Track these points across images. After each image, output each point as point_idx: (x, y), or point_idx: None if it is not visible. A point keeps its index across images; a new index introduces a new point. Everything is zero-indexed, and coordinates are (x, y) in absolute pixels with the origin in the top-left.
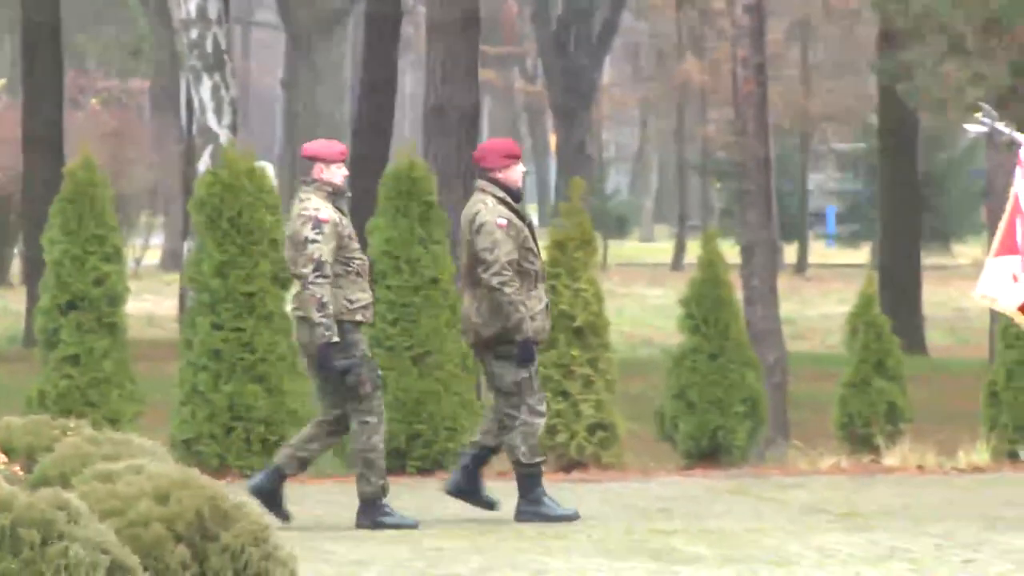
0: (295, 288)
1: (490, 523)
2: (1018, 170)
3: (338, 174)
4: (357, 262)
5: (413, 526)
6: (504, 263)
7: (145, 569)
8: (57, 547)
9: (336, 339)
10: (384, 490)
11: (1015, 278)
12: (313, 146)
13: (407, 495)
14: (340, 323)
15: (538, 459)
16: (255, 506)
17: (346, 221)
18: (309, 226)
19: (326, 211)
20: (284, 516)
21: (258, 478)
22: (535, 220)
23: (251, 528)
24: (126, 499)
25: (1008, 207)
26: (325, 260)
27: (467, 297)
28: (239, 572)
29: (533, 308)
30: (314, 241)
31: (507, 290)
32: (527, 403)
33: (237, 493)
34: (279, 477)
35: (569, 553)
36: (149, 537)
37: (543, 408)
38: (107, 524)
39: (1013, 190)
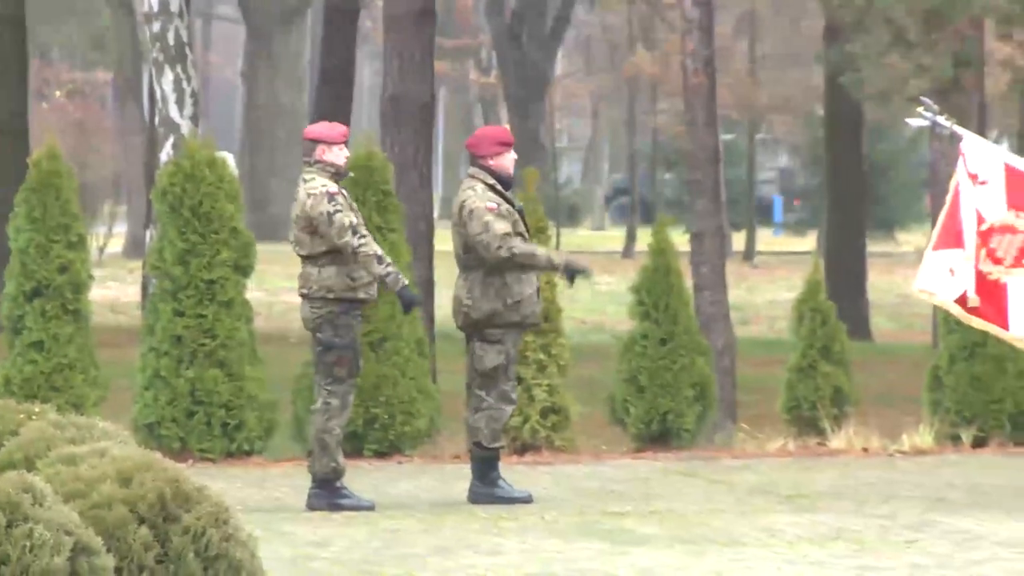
0: (300, 268)
1: (445, 505)
2: (959, 163)
3: (340, 155)
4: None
5: (370, 508)
6: (502, 235)
7: (108, 550)
8: (22, 529)
9: (405, 281)
10: (336, 472)
11: (952, 272)
12: (316, 128)
13: (364, 478)
14: (340, 300)
15: (497, 444)
16: (215, 489)
17: (349, 199)
18: (325, 201)
19: (333, 186)
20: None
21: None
22: None
23: (212, 510)
24: (90, 482)
25: (948, 200)
26: (357, 222)
27: (459, 280)
28: (200, 553)
29: (523, 292)
30: (337, 211)
31: (516, 251)
32: (500, 388)
33: (198, 476)
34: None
35: (523, 534)
36: (112, 519)
37: (514, 396)
38: (71, 506)
39: (954, 183)
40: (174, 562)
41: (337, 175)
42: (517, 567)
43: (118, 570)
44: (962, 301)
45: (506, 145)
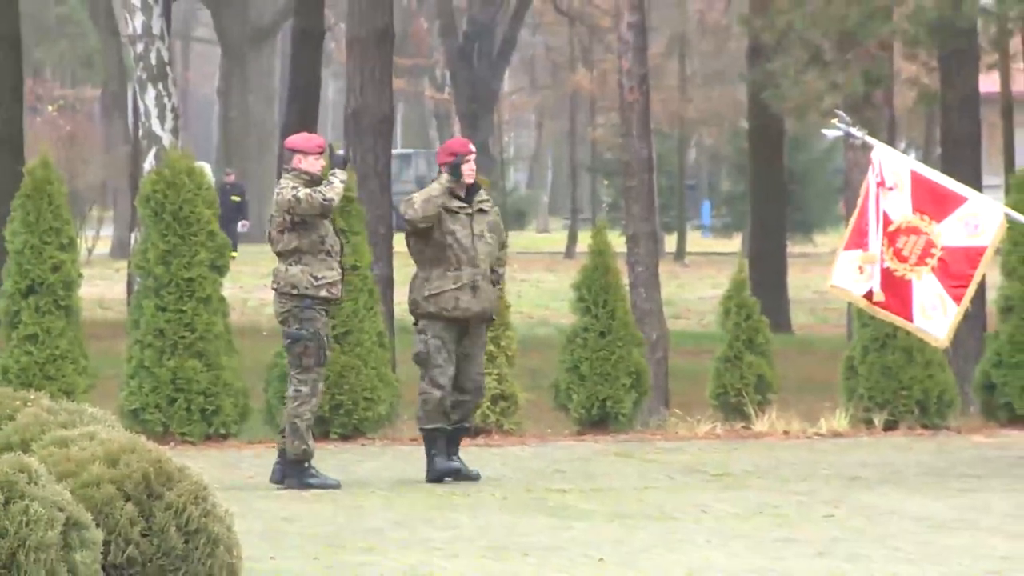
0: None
1: (404, 483)
2: (870, 171)
3: (315, 165)
4: (328, 242)
5: (336, 486)
6: (417, 204)
7: (97, 525)
8: (19, 505)
9: (342, 179)
10: (306, 454)
11: (861, 269)
12: (294, 139)
13: (331, 458)
14: (303, 296)
15: (430, 426)
16: (195, 469)
17: None
18: (292, 191)
19: (303, 190)
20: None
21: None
22: None
23: (192, 488)
24: (80, 462)
25: (859, 204)
26: (312, 191)
27: None
28: (181, 527)
29: (442, 287)
30: (296, 189)
31: (405, 214)
32: (429, 374)
33: (179, 457)
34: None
35: (475, 510)
36: (101, 496)
37: (443, 381)
38: (63, 485)
39: (864, 188)
40: (157, 536)
41: (311, 182)
42: (470, 540)
43: (106, 543)
44: (869, 296)
45: (453, 154)
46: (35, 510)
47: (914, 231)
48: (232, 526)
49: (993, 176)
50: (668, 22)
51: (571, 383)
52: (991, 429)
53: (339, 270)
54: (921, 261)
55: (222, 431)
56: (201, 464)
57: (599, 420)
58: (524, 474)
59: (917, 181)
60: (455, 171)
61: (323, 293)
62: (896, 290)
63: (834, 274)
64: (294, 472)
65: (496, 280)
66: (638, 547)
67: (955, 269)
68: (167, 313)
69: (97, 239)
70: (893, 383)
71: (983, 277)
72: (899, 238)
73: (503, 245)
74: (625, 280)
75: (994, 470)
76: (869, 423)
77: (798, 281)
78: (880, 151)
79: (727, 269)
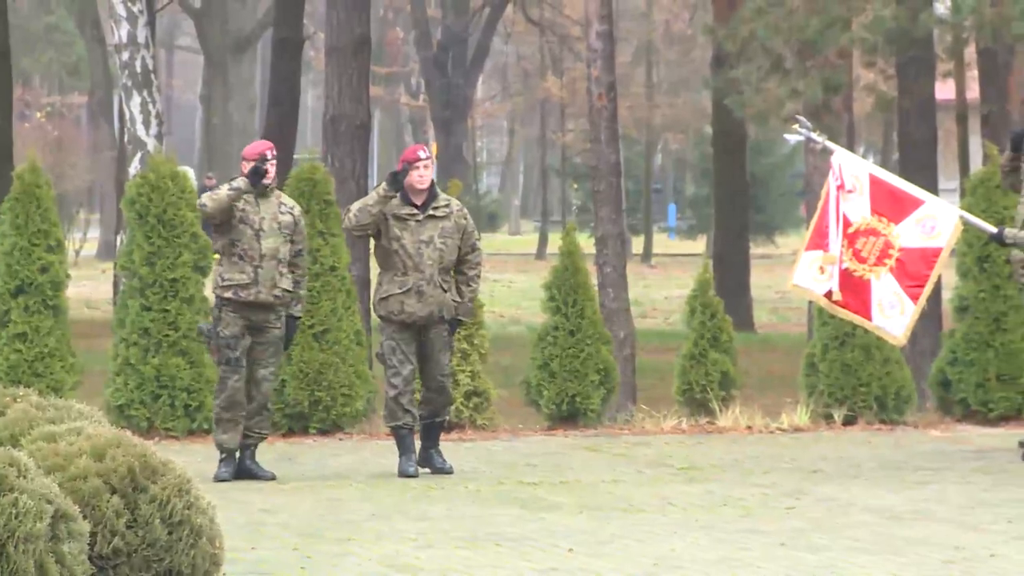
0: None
1: (381, 476)
2: (830, 174)
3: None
4: (242, 246)
5: (270, 478)
6: (352, 214)
7: (84, 517)
8: (8, 498)
9: (239, 187)
10: (218, 446)
11: (822, 270)
12: (246, 147)
13: (309, 453)
14: (218, 297)
15: (391, 423)
16: (178, 463)
17: (252, 209)
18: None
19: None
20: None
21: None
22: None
23: (175, 481)
24: (68, 456)
25: (819, 206)
26: (212, 194)
27: None
28: (165, 519)
29: (389, 291)
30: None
31: (342, 223)
32: (385, 375)
33: (163, 451)
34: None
35: (449, 501)
36: (88, 489)
37: (396, 381)
38: (51, 478)
39: (824, 191)
40: (142, 527)
41: (252, 185)
42: (444, 531)
43: (93, 534)
44: (828, 295)
45: (402, 162)
46: (24, 503)
47: (872, 232)
48: (214, 518)
49: (949, 180)
50: (635, 32)
51: (542, 380)
52: (947, 424)
53: (253, 274)
54: (880, 262)
55: (205, 426)
56: (184, 458)
57: (569, 415)
58: (496, 467)
59: (876, 184)
60: (392, 180)
61: (228, 294)
62: (855, 290)
63: (796, 274)
64: (220, 460)
65: (467, 282)
66: (606, 538)
67: (912, 269)
68: (152, 312)
69: (84, 241)
70: (852, 380)
71: (939, 277)
72: (858, 239)
73: (473, 248)
74: (594, 280)
75: (949, 463)
76: (829, 418)
77: (760, 281)
78: (840, 155)
79: (692, 270)
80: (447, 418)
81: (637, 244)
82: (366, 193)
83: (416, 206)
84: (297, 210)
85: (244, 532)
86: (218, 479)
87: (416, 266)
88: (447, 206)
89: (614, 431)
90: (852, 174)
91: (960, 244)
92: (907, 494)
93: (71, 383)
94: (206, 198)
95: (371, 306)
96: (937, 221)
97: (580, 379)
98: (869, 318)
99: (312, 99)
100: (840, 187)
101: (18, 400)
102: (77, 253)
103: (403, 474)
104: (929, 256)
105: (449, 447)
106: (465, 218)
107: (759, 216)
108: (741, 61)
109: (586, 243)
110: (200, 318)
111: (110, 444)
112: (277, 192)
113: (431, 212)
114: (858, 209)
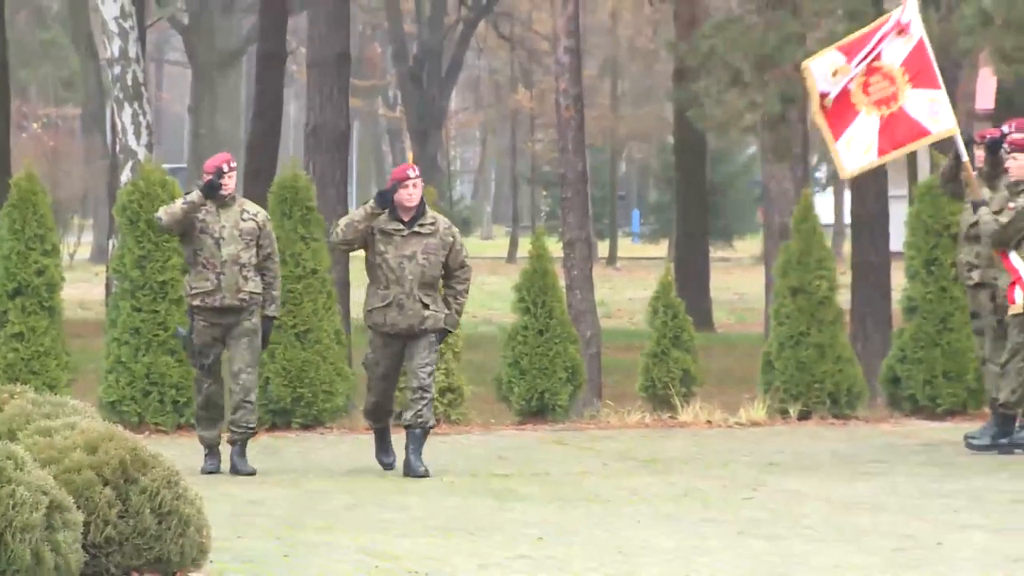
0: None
1: (360, 469)
2: (900, 9)
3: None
4: (204, 255)
5: (250, 473)
6: (339, 228)
7: (78, 507)
8: (6, 489)
9: (192, 200)
10: (201, 440)
11: (835, 73)
12: (208, 159)
13: (292, 446)
14: (188, 303)
15: (372, 425)
16: (168, 456)
17: (212, 219)
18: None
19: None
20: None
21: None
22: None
23: (165, 474)
24: (62, 450)
25: (871, 28)
26: (167, 207)
27: None
28: (155, 510)
29: (372, 304)
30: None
31: (337, 229)
32: (368, 382)
33: (153, 445)
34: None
35: (425, 493)
36: (81, 481)
37: (371, 396)
38: (47, 471)
39: (884, 18)
40: (133, 517)
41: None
42: (421, 520)
43: (86, 524)
44: (823, 96)
45: (394, 180)
46: (21, 494)
47: (890, 79)
48: (202, 508)
49: (898, 188)
50: (601, 46)
51: (512, 377)
52: (896, 419)
53: (216, 281)
54: (877, 104)
55: (193, 421)
56: (173, 452)
57: (538, 411)
58: (469, 460)
59: (920, 47)
60: (380, 197)
61: (196, 302)
62: (843, 111)
63: (813, 64)
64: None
65: (456, 295)
66: (573, 527)
67: (898, 131)
68: (142, 313)
69: (78, 245)
70: (807, 377)
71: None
72: (875, 75)
73: (462, 265)
74: (562, 282)
75: (899, 456)
76: (785, 413)
77: (720, 283)
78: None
79: (655, 272)
80: (429, 426)
81: (603, 248)
82: (345, 200)
83: (403, 222)
84: (261, 216)
85: (230, 522)
86: (205, 472)
87: (397, 280)
88: (433, 223)
89: (581, 426)
90: (915, 23)
91: (908, 248)
92: (859, 485)
93: (65, 380)
94: (161, 211)
95: (363, 314)
96: (941, 112)
97: (549, 376)
98: (835, 139)
99: (295, 110)
100: (899, 24)
101: (15, 397)
102: (71, 257)
103: (381, 463)
104: (917, 131)
105: (426, 442)
106: (453, 236)
107: (718, 221)
108: (702, 75)
109: (554, 247)
110: (187, 318)
111: (102, 438)
112: (241, 200)
113: (416, 228)
114: (895, 53)
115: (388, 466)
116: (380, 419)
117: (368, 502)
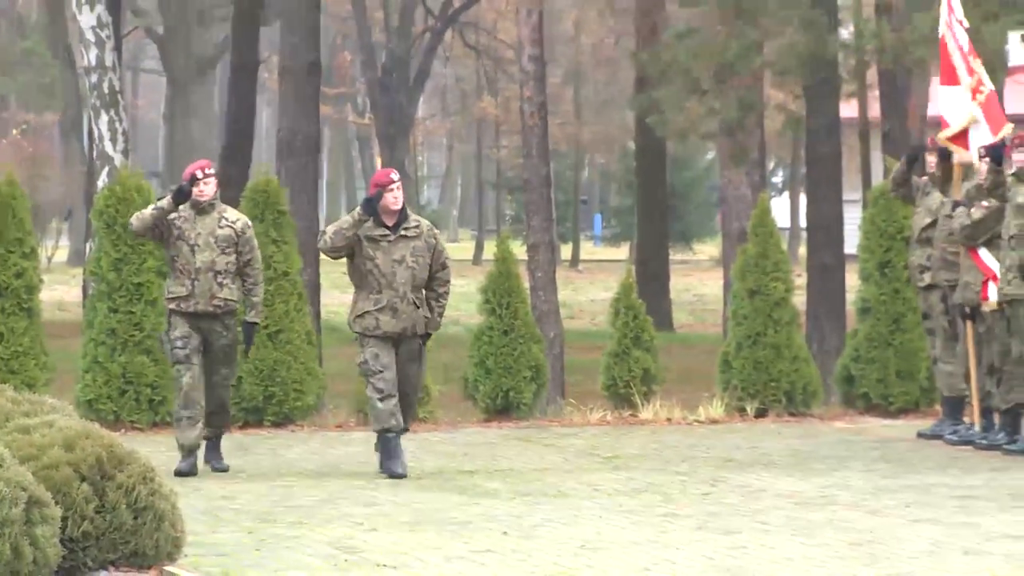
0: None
1: (330, 465)
2: (944, 10)
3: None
4: (180, 261)
5: (223, 470)
6: (328, 236)
7: (56, 503)
8: None
9: (162, 206)
10: (180, 446)
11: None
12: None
13: (264, 443)
14: (167, 306)
15: (378, 427)
16: (143, 453)
17: (189, 226)
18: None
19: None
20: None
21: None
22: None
23: (140, 470)
24: (41, 447)
25: (941, 41)
26: (138, 214)
27: None
28: (131, 504)
29: (362, 308)
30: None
31: (326, 236)
32: (370, 382)
33: (129, 442)
34: None
35: (394, 488)
36: (59, 477)
37: (381, 386)
38: (26, 467)
39: (943, 27)
40: (110, 512)
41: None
42: (389, 515)
43: (64, 519)
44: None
45: (376, 186)
46: (0, 490)
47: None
48: (176, 504)
49: (852, 192)
50: (565, 55)
51: (478, 376)
52: (850, 416)
53: (190, 287)
54: (978, 89)
55: (168, 419)
56: (149, 449)
57: (503, 409)
58: (437, 457)
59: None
60: (367, 204)
61: (172, 306)
62: (987, 111)
63: (942, 108)
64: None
65: (437, 298)
66: (537, 521)
67: (992, 111)
68: (118, 314)
69: (56, 248)
70: (764, 376)
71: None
72: (974, 60)
73: (443, 267)
74: (526, 284)
75: (853, 453)
76: (742, 411)
77: (679, 285)
78: None
79: (616, 274)
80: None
81: (566, 251)
82: (315, 204)
83: (388, 227)
84: (240, 223)
85: (204, 517)
86: (178, 473)
87: (390, 284)
88: (417, 226)
89: (545, 423)
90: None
91: (862, 251)
92: (814, 481)
93: (44, 380)
94: (133, 218)
95: (348, 322)
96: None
97: (513, 375)
98: (967, 148)
99: (267, 118)
100: (951, 11)
101: None
102: (49, 260)
103: (392, 475)
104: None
105: None
106: (435, 238)
107: (678, 225)
108: (662, 83)
109: (519, 250)
110: (163, 319)
111: (80, 436)
112: (222, 207)
113: (402, 233)
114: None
115: (400, 476)
116: (387, 419)
117: (338, 497)
